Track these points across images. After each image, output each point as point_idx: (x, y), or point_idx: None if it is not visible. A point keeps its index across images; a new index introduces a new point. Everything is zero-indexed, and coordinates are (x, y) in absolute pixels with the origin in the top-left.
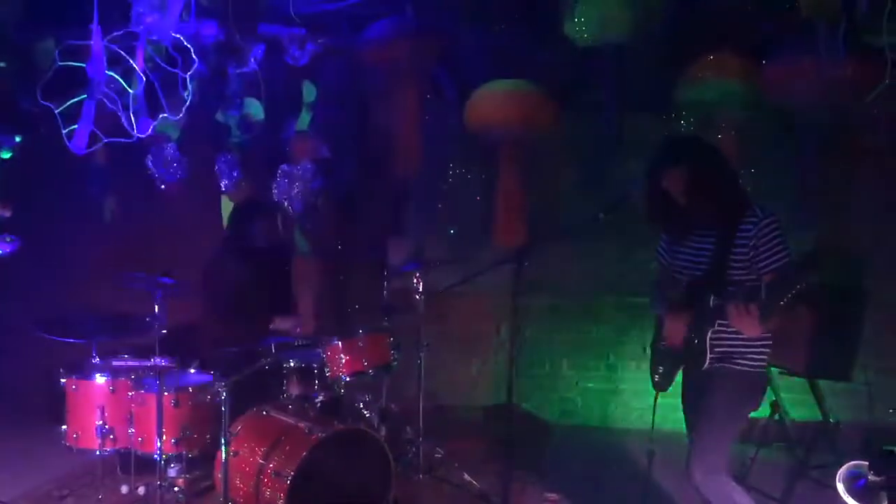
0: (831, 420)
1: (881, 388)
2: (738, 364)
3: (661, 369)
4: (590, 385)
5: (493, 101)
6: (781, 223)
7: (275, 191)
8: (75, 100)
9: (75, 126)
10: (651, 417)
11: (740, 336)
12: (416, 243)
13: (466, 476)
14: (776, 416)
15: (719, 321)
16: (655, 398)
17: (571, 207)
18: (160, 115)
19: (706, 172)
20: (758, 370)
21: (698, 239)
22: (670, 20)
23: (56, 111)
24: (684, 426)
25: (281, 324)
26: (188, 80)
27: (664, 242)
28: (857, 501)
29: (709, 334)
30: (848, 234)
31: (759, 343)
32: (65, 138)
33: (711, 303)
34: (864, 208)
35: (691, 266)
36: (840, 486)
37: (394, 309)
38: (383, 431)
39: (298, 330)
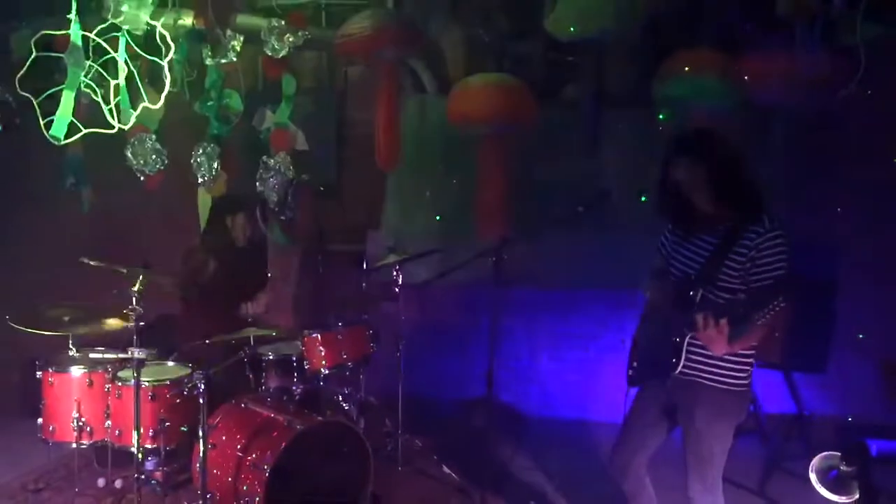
0: (805, 412)
1: (854, 379)
2: (717, 381)
3: (635, 364)
4: (569, 377)
5: (474, 94)
6: (788, 240)
7: (257, 183)
8: (53, 90)
9: (53, 117)
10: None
11: None
12: (396, 236)
13: (445, 468)
14: (751, 408)
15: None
16: (626, 392)
17: (551, 201)
18: (140, 105)
19: (725, 171)
20: (741, 389)
21: (701, 237)
22: (649, 16)
23: (35, 101)
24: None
25: (253, 308)
26: (166, 69)
27: (668, 233)
28: (830, 492)
29: (688, 337)
30: (822, 228)
31: (740, 359)
32: (43, 129)
33: (696, 307)
34: (837, 202)
35: (687, 263)
36: (813, 477)
37: (373, 301)
38: (362, 424)
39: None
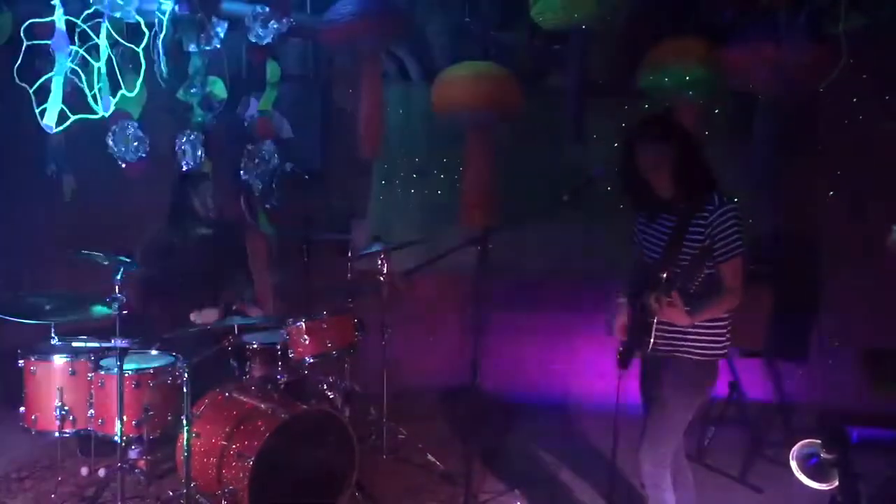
0: (787, 400)
1: (836, 367)
2: (687, 353)
3: (620, 348)
4: (553, 366)
5: (460, 83)
6: (740, 214)
7: (242, 171)
8: (44, 77)
9: (44, 105)
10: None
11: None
12: (381, 224)
13: (430, 457)
14: (734, 396)
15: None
16: (619, 377)
17: (536, 189)
18: (119, 92)
19: (676, 152)
20: (707, 359)
21: (663, 221)
22: (633, 5)
23: (30, 91)
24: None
25: (200, 318)
26: (143, 56)
27: (638, 223)
28: (810, 479)
29: (656, 318)
30: (805, 218)
31: (709, 332)
32: (38, 117)
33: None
34: (820, 192)
35: (653, 247)
36: (793, 464)
37: (358, 290)
38: (347, 412)
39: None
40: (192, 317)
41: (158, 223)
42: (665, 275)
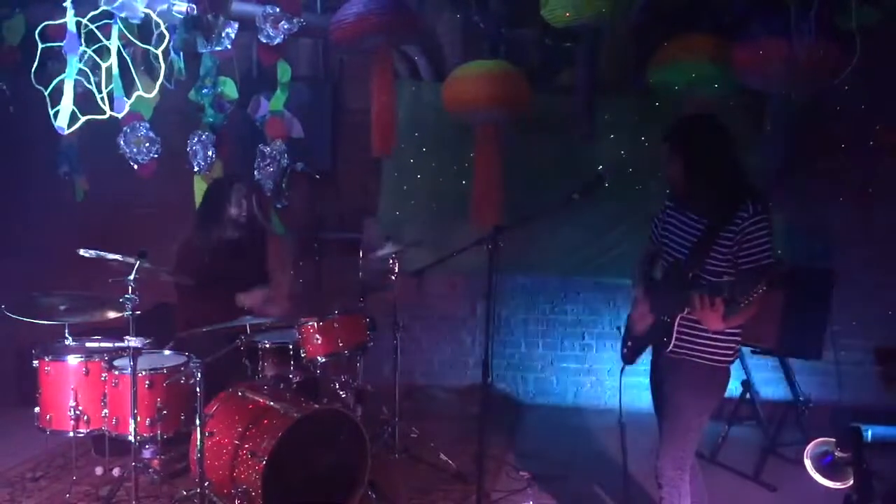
0: (801, 398)
1: (849, 366)
2: (703, 358)
3: (629, 343)
4: (564, 365)
5: (470, 81)
6: (771, 225)
7: (255, 171)
8: (58, 79)
9: (58, 107)
10: (621, 395)
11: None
12: (392, 223)
13: (442, 455)
14: (747, 395)
15: (689, 308)
16: (622, 372)
17: (546, 188)
18: (134, 93)
19: (693, 160)
20: (723, 366)
21: (693, 218)
22: (644, 2)
23: (46, 93)
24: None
25: (248, 300)
26: (160, 57)
27: (661, 213)
28: (825, 477)
29: (678, 319)
30: (818, 215)
31: (726, 338)
32: (52, 119)
33: (689, 288)
34: (833, 188)
35: (678, 244)
36: (808, 463)
37: (369, 289)
38: (359, 412)
39: (269, 308)
40: (241, 298)
41: (188, 231)
42: (691, 275)
